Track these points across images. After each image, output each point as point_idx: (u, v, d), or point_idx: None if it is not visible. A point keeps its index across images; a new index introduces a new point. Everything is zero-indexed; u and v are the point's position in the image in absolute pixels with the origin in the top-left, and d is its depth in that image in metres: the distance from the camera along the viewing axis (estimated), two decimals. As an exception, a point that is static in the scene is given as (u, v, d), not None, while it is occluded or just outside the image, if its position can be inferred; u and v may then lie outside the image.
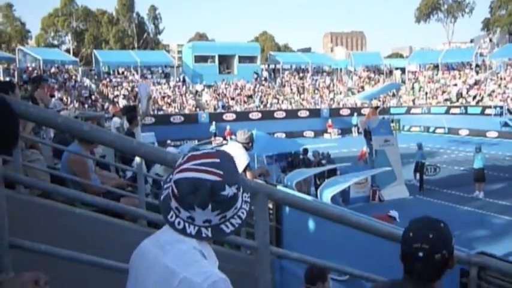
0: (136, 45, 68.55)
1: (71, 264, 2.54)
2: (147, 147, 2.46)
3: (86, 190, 4.48)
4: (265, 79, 47.89)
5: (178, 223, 1.45)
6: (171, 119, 37.48)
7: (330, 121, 41.01)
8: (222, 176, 1.41)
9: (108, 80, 41.64)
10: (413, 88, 50.21)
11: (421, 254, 1.84)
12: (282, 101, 44.26)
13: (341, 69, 53.39)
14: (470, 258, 3.40)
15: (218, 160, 1.45)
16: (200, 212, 1.42)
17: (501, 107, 39.77)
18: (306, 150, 19.16)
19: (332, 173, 17.47)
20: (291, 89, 47.02)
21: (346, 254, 5.44)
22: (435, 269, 1.88)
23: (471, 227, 13.53)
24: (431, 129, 41.43)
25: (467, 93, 45.88)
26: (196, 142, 30.71)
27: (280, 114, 41.53)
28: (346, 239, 5.21)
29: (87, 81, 40.81)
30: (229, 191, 1.42)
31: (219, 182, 1.41)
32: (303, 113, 42.57)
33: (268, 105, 43.12)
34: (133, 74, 43.35)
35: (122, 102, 34.94)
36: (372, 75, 52.79)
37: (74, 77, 41.05)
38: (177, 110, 39.48)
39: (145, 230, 4.01)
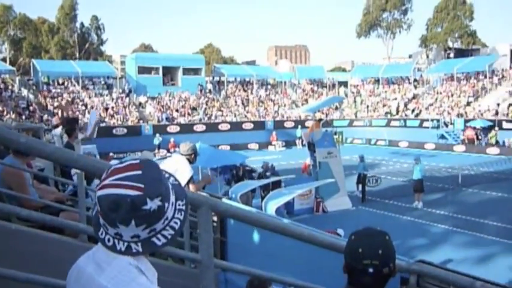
0: (78, 56, 66.87)
1: (7, 283, 2.42)
2: (87, 160, 2.38)
3: (23, 204, 4.30)
4: (210, 91, 47.82)
5: (108, 240, 1.39)
6: (114, 131, 36.68)
7: (274, 133, 41.39)
8: (143, 190, 1.34)
9: (47, 90, 40.33)
10: (355, 101, 51.49)
11: (371, 270, 1.85)
12: (227, 114, 44.28)
13: (285, 82, 54.04)
14: (409, 267, 3.50)
15: (140, 172, 1.37)
16: (125, 228, 1.36)
17: (438, 120, 41.42)
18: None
19: (276, 185, 17.56)
20: (236, 102, 47.13)
21: (291, 265, 5.46)
22: (382, 281, 1.90)
23: (411, 236, 13.95)
24: (372, 142, 42.58)
25: (406, 106, 47.53)
26: (139, 154, 30.17)
27: (224, 127, 41.50)
28: (290, 251, 5.24)
29: (24, 92, 39.35)
30: (151, 204, 1.35)
31: (140, 197, 1.34)
32: (248, 126, 42.75)
33: (212, 117, 42.99)
34: (74, 85, 42.21)
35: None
36: (316, 88, 53.75)
37: (10, 87, 39.51)
38: (120, 122, 38.69)
39: (86, 245, 3.88)
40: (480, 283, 2.64)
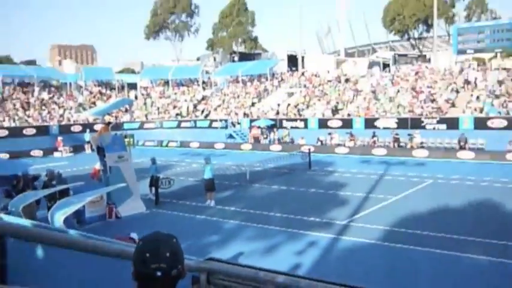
0: None
1: None
2: None
3: None
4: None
5: None
6: None
7: (60, 138, 38.85)
8: None
9: None
10: (145, 103, 51.24)
11: (159, 274, 1.83)
12: (4, 118, 40.24)
13: (70, 84, 51.27)
14: (199, 265, 3.47)
15: None
16: None
17: (226, 121, 43.51)
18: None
19: (64, 193, 16.43)
20: (14, 105, 43.10)
21: (85, 282, 5.08)
22: (172, 284, 1.90)
23: (205, 234, 14.28)
24: (164, 143, 42.81)
25: (195, 108, 48.91)
26: None
27: (2, 133, 37.72)
28: (80, 265, 4.86)
29: None
30: None
31: None
32: (29, 131, 39.61)
33: (-14, 123, 38.74)
34: None
35: None
36: (104, 90, 52.08)
37: None
38: None
39: None
40: (263, 273, 2.75)
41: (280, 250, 12.58)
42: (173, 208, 18.13)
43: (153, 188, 19.39)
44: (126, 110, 48.54)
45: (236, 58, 68.83)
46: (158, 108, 49.91)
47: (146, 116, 48.89)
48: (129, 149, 19.58)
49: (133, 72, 76.17)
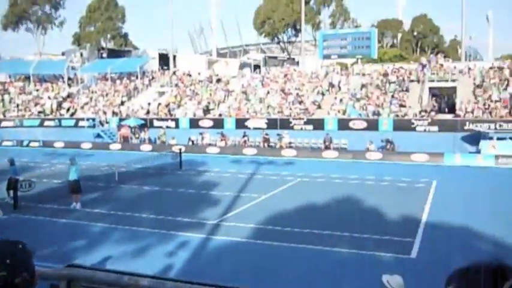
0: None
1: None
2: None
3: None
4: None
5: None
6: None
7: None
8: None
9: None
10: (3, 100, 47.44)
11: (1, 284, 1.71)
12: None
13: None
14: (58, 272, 3.26)
15: None
16: None
17: (94, 119, 41.73)
18: None
19: None
20: None
21: None
22: None
23: (70, 239, 13.53)
24: (25, 143, 39.87)
25: (60, 105, 46.30)
26: None
27: None
28: None
29: None
30: None
31: None
32: None
33: None
34: None
35: None
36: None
37: None
38: None
39: None
40: (127, 277, 2.64)
41: (151, 252, 12.32)
42: (34, 212, 16.93)
43: (12, 191, 17.98)
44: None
45: (105, 54, 66.38)
46: (18, 105, 46.43)
47: (4, 113, 45.24)
48: (-17, 149, 17.97)
49: (-12, 65, 70.06)
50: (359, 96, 38.03)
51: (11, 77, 51.66)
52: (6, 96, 47.93)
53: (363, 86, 39.41)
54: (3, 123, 43.34)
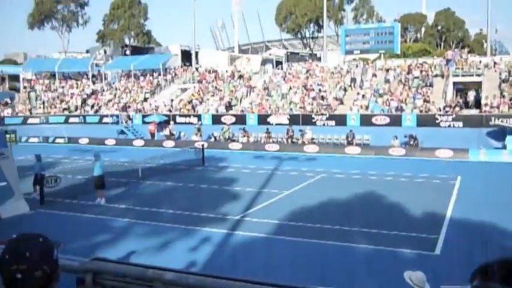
0: None
1: None
2: None
3: None
4: None
5: None
6: None
7: None
8: None
9: None
10: (29, 97, 48.24)
11: (19, 276, 1.71)
12: None
13: None
14: (84, 266, 3.31)
15: None
16: None
17: (117, 116, 42.15)
18: None
19: None
20: None
21: None
22: (40, 286, 1.76)
23: (94, 233, 13.71)
24: (50, 140, 40.54)
25: (85, 102, 46.89)
26: None
27: None
28: None
29: None
30: None
31: None
32: None
33: None
34: None
35: None
36: (-18, 82, 48.34)
37: None
38: None
39: None
40: (152, 271, 2.67)
41: (174, 247, 12.42)
42: (60, 207, 17.22)
43: (38, 187, 18.29)
44: (7, 104, 45.40)
45: (128, 52, 66.94)
46: (44, 103, 47.16)
47: (30, 110, 46.01)
48: (11, 146, 18.35)
49: (15, 63, 71.26)
50: (382, 91, 37.66)
51: (37, 75, 52.48)
52: (32, 94, 48.74)
53: (386, 81, 39.03)
54: (30, 120, 44.06)
